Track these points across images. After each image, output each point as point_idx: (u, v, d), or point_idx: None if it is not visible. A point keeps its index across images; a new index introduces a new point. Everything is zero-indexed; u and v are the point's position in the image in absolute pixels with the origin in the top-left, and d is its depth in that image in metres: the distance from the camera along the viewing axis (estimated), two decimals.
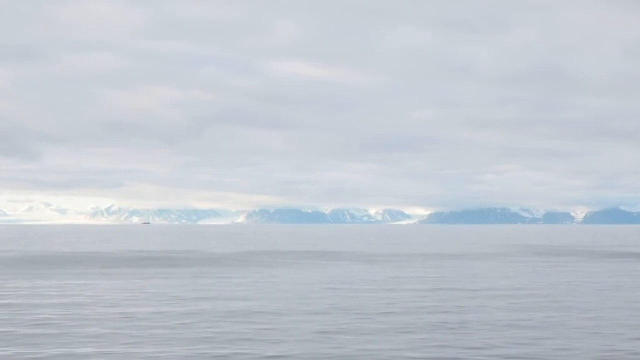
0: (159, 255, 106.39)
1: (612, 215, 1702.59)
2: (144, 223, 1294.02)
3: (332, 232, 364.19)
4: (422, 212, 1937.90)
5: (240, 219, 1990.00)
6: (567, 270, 76.05)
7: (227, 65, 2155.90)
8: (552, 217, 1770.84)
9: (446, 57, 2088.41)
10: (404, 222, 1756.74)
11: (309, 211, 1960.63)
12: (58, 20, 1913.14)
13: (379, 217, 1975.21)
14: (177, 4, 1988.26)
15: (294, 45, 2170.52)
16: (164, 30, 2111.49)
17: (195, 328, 34.67)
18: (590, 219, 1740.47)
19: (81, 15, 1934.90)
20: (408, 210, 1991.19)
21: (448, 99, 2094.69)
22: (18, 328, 34.84)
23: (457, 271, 73.61)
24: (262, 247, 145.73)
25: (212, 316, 38.74)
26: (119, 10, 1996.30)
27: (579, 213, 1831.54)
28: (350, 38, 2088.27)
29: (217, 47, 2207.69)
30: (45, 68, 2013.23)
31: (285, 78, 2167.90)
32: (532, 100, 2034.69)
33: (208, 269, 76.39)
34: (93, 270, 73.88)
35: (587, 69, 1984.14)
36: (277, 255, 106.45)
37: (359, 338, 32.05)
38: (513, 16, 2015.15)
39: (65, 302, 44.89)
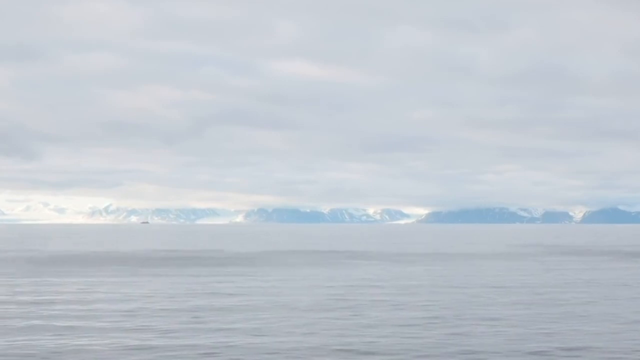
0: (189, 255, 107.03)
1: (610, 214, 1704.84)
2: (143, 222, 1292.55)
3: (335, 231, 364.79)
4: (421, 211, 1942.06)
5: (239, 218, 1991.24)
6: (594, 269, 77.13)
7: (227, 65, 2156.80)
8: (550, 217, 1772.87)
9: (446, 57, 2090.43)
10: (402, 222, 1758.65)
11: (308, 211, 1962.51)
12: (58, 20, 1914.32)
13: (378, 217, 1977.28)
14: (177, 4, 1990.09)
15: (294, 45, 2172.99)
16: (164, 30, 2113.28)
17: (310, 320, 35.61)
18: (588, 218, 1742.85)
19: (81, 15, 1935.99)
20: (407, 210, 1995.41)
21: (448, 99, 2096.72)
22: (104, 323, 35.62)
23: (494, 271, 74.51)
24: (283, 246, 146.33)
25: (314, 311, 39.58)
26: (119, 10, 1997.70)
27: (577, 213, 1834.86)
28: (350, 38, 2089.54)
29: (217, 47, 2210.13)
30: (45, 68, 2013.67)
31: (285, 78, 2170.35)
32: (532, 100, 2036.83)
33: (251, 268, 77.09)
34: (138, 269, 74.41)
35: (587, 69, 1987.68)
36: (306, 255, 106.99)
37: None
38: (513, 16, 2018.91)
39: (131, 298, 45.79)
